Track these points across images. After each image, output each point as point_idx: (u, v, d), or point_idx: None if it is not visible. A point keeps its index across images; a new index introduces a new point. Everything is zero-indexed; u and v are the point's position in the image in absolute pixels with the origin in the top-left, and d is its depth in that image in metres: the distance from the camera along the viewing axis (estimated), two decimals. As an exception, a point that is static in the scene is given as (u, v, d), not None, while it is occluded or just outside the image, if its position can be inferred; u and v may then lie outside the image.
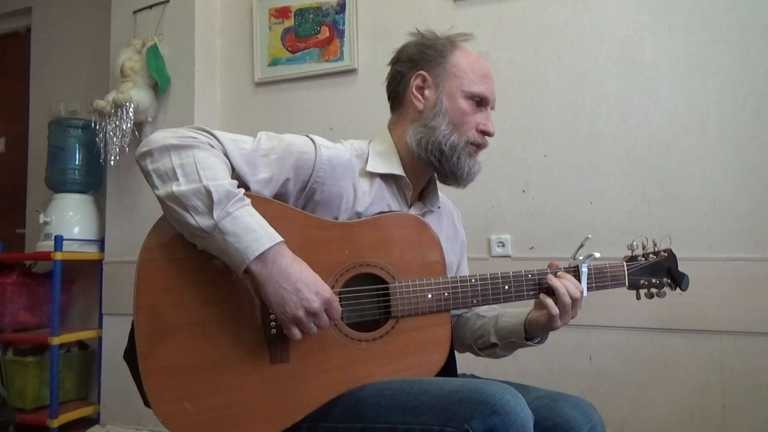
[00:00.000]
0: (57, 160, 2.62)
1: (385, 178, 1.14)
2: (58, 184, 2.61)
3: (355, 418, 0.95)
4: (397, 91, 1.19)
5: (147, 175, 0.96)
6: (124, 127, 2.33)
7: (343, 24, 2.32)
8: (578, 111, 1.96)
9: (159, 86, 2.41)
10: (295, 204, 1.06)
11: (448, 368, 1.09)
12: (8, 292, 2.53)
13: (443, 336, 1.07)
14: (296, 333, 0.94)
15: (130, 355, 0.96)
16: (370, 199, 1.11)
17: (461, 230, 1.33)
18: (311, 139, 1.09)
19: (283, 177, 1.04)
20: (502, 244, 2.02)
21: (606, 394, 1.85)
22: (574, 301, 1.09)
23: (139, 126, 2.43)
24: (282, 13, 2.44)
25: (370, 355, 1.02)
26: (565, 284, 1.09)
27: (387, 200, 1.13)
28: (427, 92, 1.14)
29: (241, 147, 1.02)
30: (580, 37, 1.97)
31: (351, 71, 2.30)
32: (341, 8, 2.33)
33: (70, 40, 2.96)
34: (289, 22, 2.42)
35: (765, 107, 1.75)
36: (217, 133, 1.01)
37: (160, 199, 0.94)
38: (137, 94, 2.35)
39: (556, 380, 1.87)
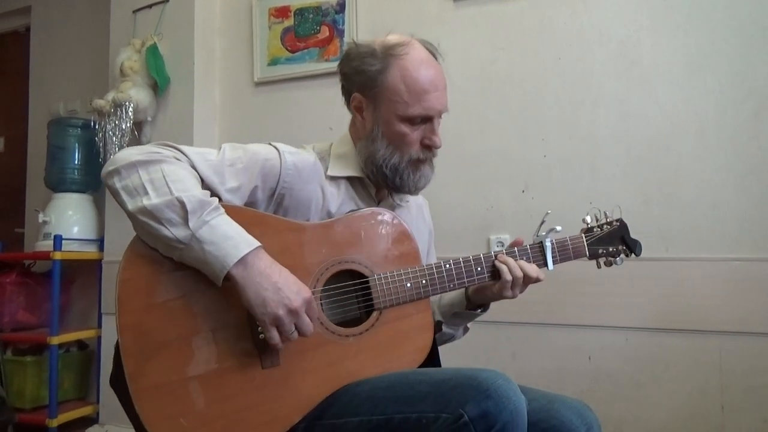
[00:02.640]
0: (56, 159, 2.62)
1: (350, 179, 1.16)
2: (57, 184, 2.62)
3: (352, 413, 0.95)
4: (346, 101, 1.19)
5: (115, 193, 0.96)
6: (123, 127, 2.33)
7: (343, 24, 2.32)
8: (577, 111, 1.96)
9: (158, 86, 2.41)
10: (266, 211, 1.07)
11: (433, 353, 1.11)
12: (7, 291, 2.53)
13: (426, 322, 1.10)
14: (275, 336, 0.93)
15: (117, 379, 0.94)
16: (340, 200, 1.13)
17: (429, 220, 1.36)
18: (275, 147, 1.11)
19: (251, 185, 1.05)
20: (502, 244, 2.02)
21: (605, 394, 1.85)
22: (527, 277, 1.12)
23: (138, 125, 2.43)
24: (281, 12, 2.43)
25: (358, 349, 1.03)
26: (518, 261, 1.13)
27: (355, 200, 1.16)
28: (365, 113, 1.14)
29: (206, 159, 1.03)
30: (580, 37, 1.97)
31: (350, 71, 2.30)
32: (341, 8, 2.33)
33: (70, 39, 2.96)
34: (289, 22, 2.42)
35: (764, 108, 1.75)
36: (183, 147, 1.02)
37: (131, 215, 0.94)
38: (136, 94, 2.35)
39: (554, 380, 1.87)
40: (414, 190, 1.17)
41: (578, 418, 1.02)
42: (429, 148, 1.13)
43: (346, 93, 1.18)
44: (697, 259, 1.77)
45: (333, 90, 2.30)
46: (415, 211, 1.29)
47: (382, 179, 1.14)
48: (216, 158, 1.04)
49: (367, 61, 1.10)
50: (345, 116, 2.35)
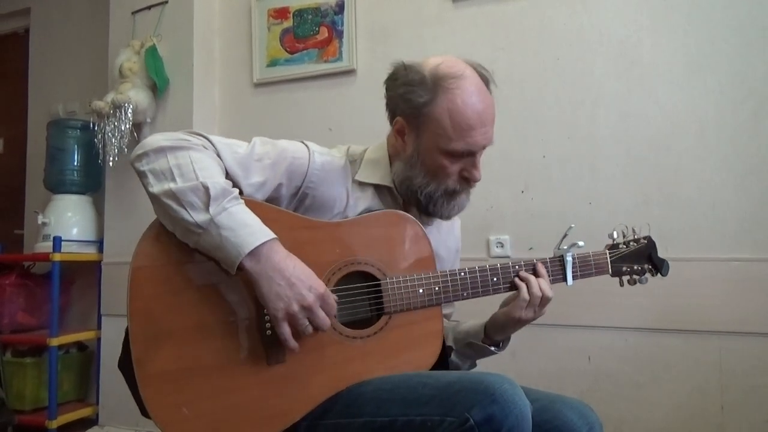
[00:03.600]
0: (56, 160, 2.62)
1: (378, 187, 1.15)
2: (56, 185, 2.61)
3: (355, 414, 0.95)
4: (389, 118, 1.16)
5: (142, 175, 0.98)
6: (122, 128, 2.33)
7: (342, 24, 2.32)
8: (577, 111, 1.96)
9: (158, 87, 2.40)
10: (287, 208, 1.07)
11: (442, 361, 1.09)
12: (7, 293, 2.53)
13: (436, 329, 1.08)
14: (286, 331, 0.93)
15: (125, 363, 0.95)
16: (365, 205, 1.12)
17: (459, 237, 1.33)
18: (306, 145, 1.11)
19: (276, 182, 1.05)
20: (501, 245, 2.02)
21: (605, 394, 1.85)
22: (545, 297, 1.10)
23: (137, 127, 2.42)
24: (281, 13, 2.43)
25: (365, 352, 1.03)
26: (538, 280, 1.10)
27: (381, 208, 1.14)
28: (406, 138, 1.11)
29: (234, 151, 1.04)
30: (580, 37, 1.97)
31: (350, 72, 2.30)
32: (340, 9, 2.33)
33: (69, 40, 2.96)
34: (288, 23, 2.42)
35: (763, 108, 1.75)
36: (212, 137, 1.03)
37: (154, 196, 0.95)
38: (136, 95, 2.35)
39: (554, 381, 1.87)
40: (446, 218, 1.15)
41: (580, 418, 1.02)
42: (467, 180, 1.10)
43: (390, 112, 1.14)
44: (697, 259, 1.77)
45: (332, 91, 2.35)
46: (446, 229, 1.25)
47: (415, 203, 1.12)
48: (244, 151, 1.05)
49: (415, 91, 1.06)
50: (344, 117, 2.36)
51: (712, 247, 1.77)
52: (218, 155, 1.01)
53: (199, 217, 0.92)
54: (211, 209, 0.92)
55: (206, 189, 0.92)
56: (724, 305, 1.73)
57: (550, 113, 1.99)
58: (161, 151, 0.97)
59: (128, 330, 0.93)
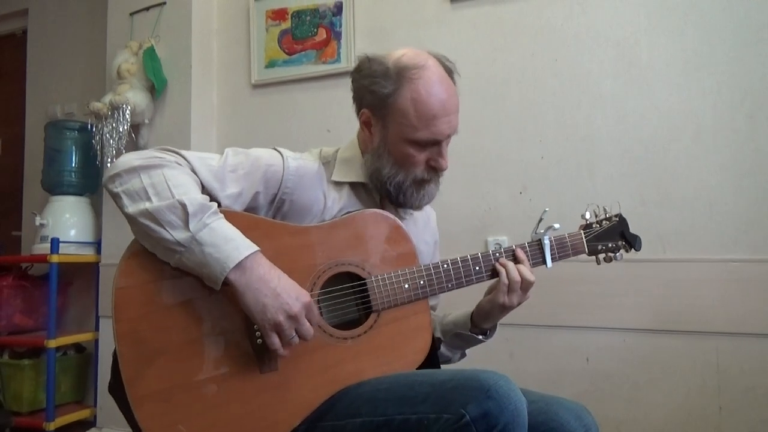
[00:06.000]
0: (53, 162, 2.61)
1: (353, 185, 1.16)
2: (54, 187, 2.61)
3: (352, 414, 0.96)
4: (356, 111, 1.18)
5: (116, 197, 0.96)
6: (120, 129, 2.33)
7: (340, 26, 2.32)
8: (575, 113, 1.96)
9: (156, 88, 2.40)
10: (266, 216, 1.07)
11: (432, 354, 1.10)
12: (4, 294, 2.52)
13: (424, 323, 1.09)
14: (276, 341, 0.93)
15: (116, 387, 0.94)
16: (340, 205, 1.13)
17: (435, 230, 1.35)
18: (278, 152, 1.11)
19: (253, 191, 1.06)
20: (499, 246, 2.01)
21: (602, 395, 1.85)
22: (525, 281, 1.11)
23: (135, 128, 2.42)
24: (279, 15, 2.44)
25: (357, 352, 1.03)
26: (517, 265, 1.12)
27: (358, 206, 1.15)
28: (373, 129, 1.13)
29: (208, 164, 1.03)
30: (577, 39, 1.97)
31: (348, 73, 2.29)
32: (338, 10, 2.33)
33: (67, 41, 2.96)
34: (286, 24, 2.42)
35: (760, 109, 1.76)
36: (184, 152, 1.02)
37: (130, 217, 0.94)
38: (134, 96, 2.35)
39: (552, 382, 1.87)
40: (417, 207, 1.17)
41: (577, 420, 1.02)
42: (434, 169, 1.12)
43: (357, 104, 1.16)
44: (694, 259, 1.77)
45: (331, 92, 2.35)
46: (422, 223, 1.28)
47: (386, 194, 1.14)
48: (218, 164, 1.05)
49: (378, 82, 1.08)
50: (342, 119, 2.35)
51: (709, 247, 1.77)
52: (193, 170, 1.00)
53: (179, 235, 0.91)
54: (191, 226, 0.91)
55: (183, 206, 0.92)
56: (722, 306, 1.73)
57: (547, 114, 1.99)
58: (134, 170, 0.96)
59: (116, 353, 0.92)
